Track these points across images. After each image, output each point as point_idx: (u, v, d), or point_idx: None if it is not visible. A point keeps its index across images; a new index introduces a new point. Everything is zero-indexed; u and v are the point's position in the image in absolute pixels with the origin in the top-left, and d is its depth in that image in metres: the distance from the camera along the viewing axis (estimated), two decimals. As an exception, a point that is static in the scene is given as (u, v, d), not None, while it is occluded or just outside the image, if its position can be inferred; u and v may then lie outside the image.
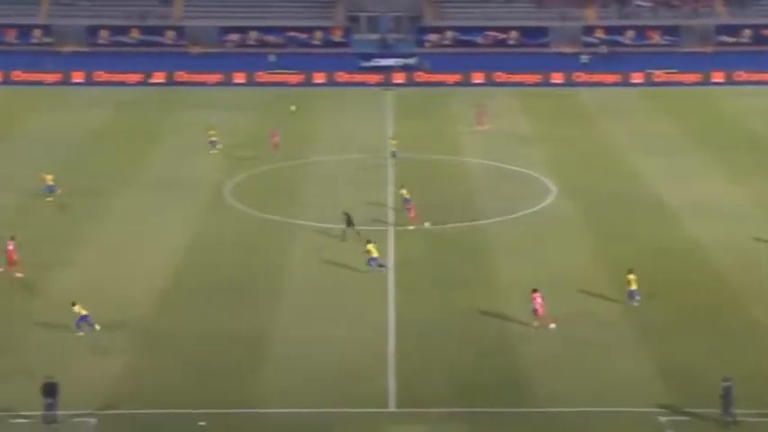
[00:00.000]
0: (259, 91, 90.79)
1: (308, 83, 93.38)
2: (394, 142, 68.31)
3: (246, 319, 43.79)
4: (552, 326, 42.38)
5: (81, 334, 41.79)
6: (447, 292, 46.21)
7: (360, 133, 75.20)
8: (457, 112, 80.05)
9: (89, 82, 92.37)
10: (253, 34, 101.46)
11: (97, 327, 42.05)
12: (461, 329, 42.83)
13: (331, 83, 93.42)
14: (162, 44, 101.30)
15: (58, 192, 58.68)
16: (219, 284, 47.35)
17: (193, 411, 36.24)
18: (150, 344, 41.43)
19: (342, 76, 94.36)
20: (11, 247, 47.85)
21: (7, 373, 38.64)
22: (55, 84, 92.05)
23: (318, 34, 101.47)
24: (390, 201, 59.18)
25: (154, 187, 61.39)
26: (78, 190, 60.56)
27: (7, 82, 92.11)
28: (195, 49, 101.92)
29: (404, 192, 56.37)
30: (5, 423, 35.42)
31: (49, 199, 58.34)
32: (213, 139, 69.49)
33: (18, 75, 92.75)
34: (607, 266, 48.70)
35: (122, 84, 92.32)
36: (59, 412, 35.43)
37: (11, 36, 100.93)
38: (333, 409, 36.65)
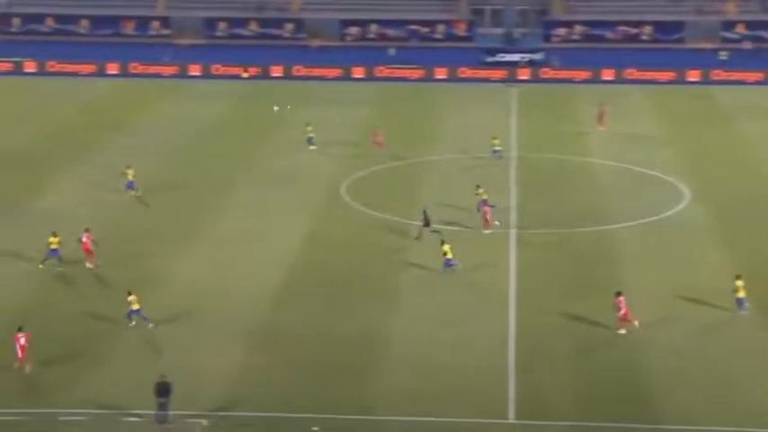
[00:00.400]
0: (378, 86, 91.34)
1: (428, 78, 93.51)
2: (496, 141, 67.78)
3: (361, 319, 44.18)
4: (635, 323, 42.24)
5: (132, 324, 42.75)
6: (569, 301, 45.84)
7: (482, 132, 75.00)
8: (584, 111, 79.21)
9: (206, 75, 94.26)
10: (373, 27, 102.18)
11: (150, 325, 42.79)
12: (583, 340, 42.45)
13: (453, 79, 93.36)
14: (280, 37, 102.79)
15: (137, 189, 59.61)
16: (334, 283, 47.86)
17: (306, 416, 36.69)
18: (264, 343, 42.10)
19: (464, 72, 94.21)
20: (85, 239, 49.24)
21: (120, 372, 39.76)
22: (172, 76, 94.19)
23: (441, 28, 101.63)
24: (513, 203, 58.93)
25: (269, 183, 62.38)
26: (192, 184, 61.92)
27: (125, 74, 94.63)
28: (314, 43, 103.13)
29: (480, 191, 55.88)
30: (118, 422, 36.44)
31: (133, 194, 59.37)
32: (310, 135, 70.32)
33: (135, 67, 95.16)
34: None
35: (239, 77, 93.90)
36: (171, 412, 36.27)
37: (129, 28, 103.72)
38: (450, 418, 36.68)
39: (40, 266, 48.86)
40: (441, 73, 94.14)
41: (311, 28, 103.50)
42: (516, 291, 47.11)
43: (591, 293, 46.25)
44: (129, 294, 43.23)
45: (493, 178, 63.48)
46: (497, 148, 67.17)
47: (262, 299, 46.04)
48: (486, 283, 47.97)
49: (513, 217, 56.55)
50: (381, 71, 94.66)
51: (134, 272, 48.77)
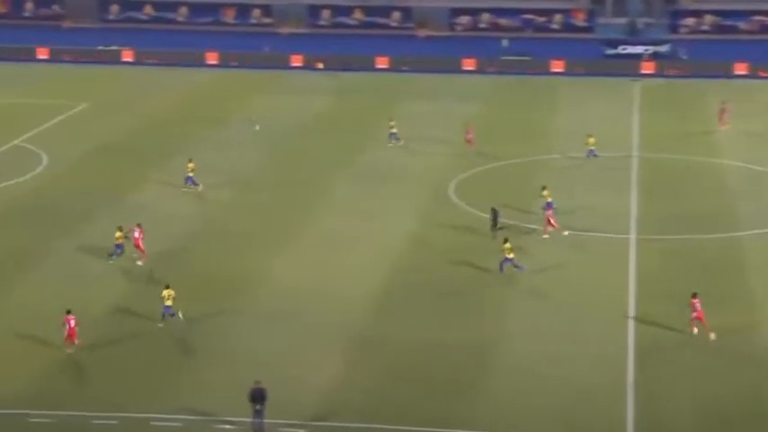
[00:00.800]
0: (489, 80, 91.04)
1: (544, 71, 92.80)
2: (591, 140, 66.74)
3: (468, 329, 44.04)
4: (712, 336, 42.33)
5: (160, 326, 43.50)
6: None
7: (601, 129, 74.20)
8: (712, 109, 77.78)
9: (308, 66, 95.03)
10: (485, 17, 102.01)
11: (181, 315, 43.36)
12: (706, 354, 41.70)
13: (570, 72, 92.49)
14: (386, 26, 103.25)
15: (200, 185, 60.27)
16: (440, 289, 47.80)
17: (409, 428, 36.70)
18: (364, 351, 42.26)
19: (583, 65, 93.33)
20: (137, 235, 50.13)
21: (214, 377, 40.32)
22: (273, 67, 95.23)
23: (558, 17, 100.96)
24: (633, 207, 58.18)
25: (371, 181, 62.61)
26: (290, 181, 62.49)
27: (224, 64, 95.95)
28: (422, 33, 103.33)
29: (545, 193, 55.25)
30: (212, 428, 36.91)
31: (195, 188, 60.00)
32: (393, 131, 70.27)
33: (235, 56, 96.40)
34: None
35: (342, 68, 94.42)
36: (267, 420, 36.63)
37: (229, 16, 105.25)
38: (563, 435, 36.48)
39: (110, 262, 49.95)
40: (557, 66, 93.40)
41: (419, 17, 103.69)
42: (635, 301, 46.47)
43: (718, 303, 45.31)
44: (166, 288, 43.51)
45: (612, 180, 62.79)
46: (592, 147, 66.29)
47: (362, 304, 46.21)
48: (603, 292, 47.41)
49: (633, 222, 55.81)
50: (493, 63, 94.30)
51: (228, 272, 49.37)
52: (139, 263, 50.01)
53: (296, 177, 63.28)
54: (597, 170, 65.01)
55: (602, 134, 69.71)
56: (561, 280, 48.64)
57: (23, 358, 41.16)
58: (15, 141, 70.66)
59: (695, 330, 42.93)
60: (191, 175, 60.27)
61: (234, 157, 67.28)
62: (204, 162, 65.94)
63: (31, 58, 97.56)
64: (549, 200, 54.55)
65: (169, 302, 43.35)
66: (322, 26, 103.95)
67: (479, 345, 42.61)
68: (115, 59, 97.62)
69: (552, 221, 53.56)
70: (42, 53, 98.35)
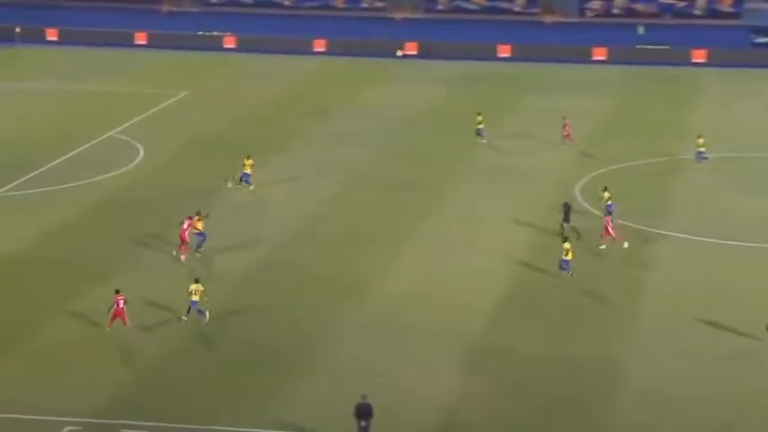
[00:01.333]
0: (622, 70, 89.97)
1: (684, 61, 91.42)
2: (701, 141, 65.00)
3: (595, 342, 43.43)
4: None
5: (184, 318, 44.43)
6: None
7: (748, 126, 72.86)
8: None
9: (424, 54, 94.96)
10: (619, 1, 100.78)
11: (207, 316, 44.27)
12: None
13: (714, 62, 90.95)
14: (509, 11, 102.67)
15: (252, 184, 60.35)
16: (565, 299, 47.29)
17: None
18: (481, 365, 41.89)
19: (728, 55, 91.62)
20: (186, 226, 50.77)
21: (316, 391, 40.36)
22: (385, 55, 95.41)
23: (701, 2, 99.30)
24: (782, 212, 57.01)
25: (491, 180, 62.20)
26: (402, 179, 62.42)
27: (333, 52, 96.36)
28: (549, 19, 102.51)
29: (606, 195, 54.22)
30: (313, 444, 37.10)
31: (247, 187, 60.09)
32: (480, 126, 69.72)
33: (345, 43, 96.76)
34: None
35: (462, 57, 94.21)
36: (373, 437, 36.64)
37: (339, 0, 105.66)
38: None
39: (197, 255, 50.90)
40: (699, 56, 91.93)
41: (545, 2, 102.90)
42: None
43: None
44: (196, 282, 44.70)
45: (755, 184, 61.56)
46: (701, 149, 64.61)
47: (480, 313, 45.90)
48: (746, 306, 46.25)
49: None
50: (627, 53, 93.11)
51: (332, 276, 49.50)
52: (182, 258, 50.78)
53: (407, 175, 63.19)
54: (738, 173, 63.70)
55: (749, 132, 68.24)
56: (696, 293, 47.71)
57: (112, 365, 41.74)
58: (111, 132, 71.96)
59: None
60: (248, 172, 60.48)
61: (341, 152, 67.47)
62: (308, 158, 66.44)
63: (128, 43, 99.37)
64: (610, 203, 53.69)
65: (196, 297, 44.42)
66: (439, 11, 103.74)
67: (606, 362, 41.97)
68: (216, 46, 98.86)
69: (610, 230, 52.18)
70: (140, 38, 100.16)
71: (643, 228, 54.90)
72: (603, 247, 52.27)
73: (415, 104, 79.13)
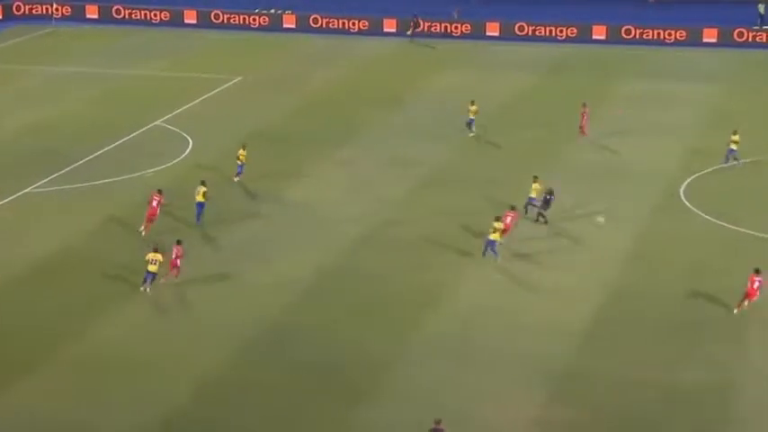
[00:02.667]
0: (737, 54, 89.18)
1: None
2: (735, 138, 63.90)
3: (698, 365, 43.12)
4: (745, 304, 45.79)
5: (142, 289, 48.13)
6: None
7: None
8: None
9: (507, 36, 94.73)
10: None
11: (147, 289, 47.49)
12: None
13: None
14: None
15: (241, 175, 60.95)
16: (668, 315, 47.03)
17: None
18: (568, 391, 41.63)
19: None
20: (154, 204, 53.84)
21: (383, 417, 40.37)
22: (463, 36, 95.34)
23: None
24: None
25: (580, 180, 61.82)
26: (480, 177, 62.28)
27: (404, 33, 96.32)
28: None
29: (535, 186, 56.25)
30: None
31: (236, 179, 60.92)
32: (471, 117, 69.52)
33: (422, 24, 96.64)
34: None
35: (551, 39, 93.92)
36: (446, 469, 36.65)
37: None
38: None
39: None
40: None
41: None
42: None
43: None
44: (155, 251, 48.14)
45: None
46: (733, 147, 63.48)
47: (567, 333, 45.66)
48: None
49: None
50: (743, 34, 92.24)
51: (400, 288, 49.55)
52: (142, 231, 54.18)
53: (487, 173, 63.00)
54: None
55: None
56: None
57: (163, 376, 42.16)
58: (158, 121, 72.61)
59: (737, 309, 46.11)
60: (240, 163, 61.18)
61: (413, 146, 67.45)
62: (377, 153, 66.49)
63: (176, 22, 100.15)
64: (533, 196, 56.21)
65: (153, 268, 47.82)
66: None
67: (716, 388, 41.64)
68: (275, 26, 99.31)
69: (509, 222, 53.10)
70: (190, 17, 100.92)
71: (756, 234, 54.38)
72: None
73: (498, 93, 78.90)
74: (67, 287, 49.53)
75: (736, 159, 63.65)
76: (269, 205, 58.50)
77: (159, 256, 48.01)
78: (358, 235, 55.06)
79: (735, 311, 47.00)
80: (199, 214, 55.58)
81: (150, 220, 54.28)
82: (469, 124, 69.78)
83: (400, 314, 47.20)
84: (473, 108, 69.93)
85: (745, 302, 46.88)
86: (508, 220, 52.98)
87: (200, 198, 55.38)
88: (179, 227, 55.09)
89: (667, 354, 44.14)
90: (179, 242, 49.48)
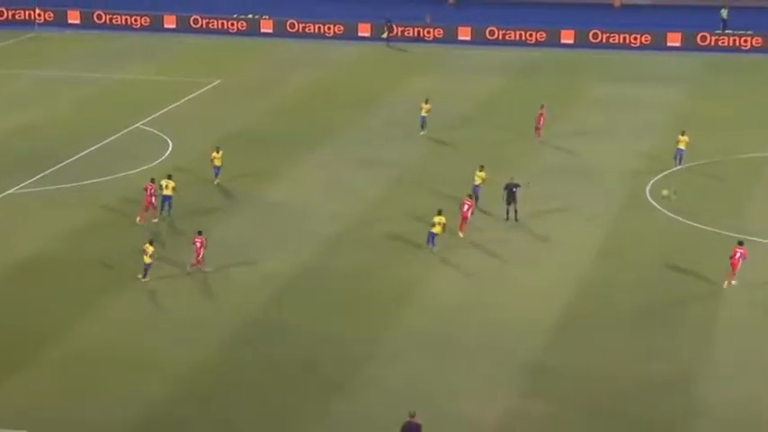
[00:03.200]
0: (700, 58, 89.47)
1: (765, 49, 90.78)
2: (683, 138, 63.17)
3: (666, 359, 43.18)
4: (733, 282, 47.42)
5: (140, 277, 49.01)
6: None
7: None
8: None
9: (479, 40, 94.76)
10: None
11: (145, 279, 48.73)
12: None
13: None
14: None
15: (219, 177, 60.79)
16: (635, 311, 47.10)
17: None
18: (541, 385, 41.70)
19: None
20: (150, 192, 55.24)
21: (359, 411, 40.35)
22: (435, 41, 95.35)
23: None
24: None
25: (550, 180, 61.86)
26: (453, 179, 62.22)
27: (379, 37, 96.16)
28: (618, 1, 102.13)
29: (481, 175, 57.14)
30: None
31: (216, 182, 60.73)
32: (424, 115, 69.74)
33: (395, 28, 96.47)
34: None
35: (521, 43, 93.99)
36: (421, 461, 36.60)
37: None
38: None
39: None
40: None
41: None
42: None
43: None
44: (150, 244, 49.15)
45: None
46: (681, 147, 63.69)
47: (539, 328, 45.73)
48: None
49: None
50: (706, 38, 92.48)
51: (376, 285, 49.51)
52: (139, 220, 55.65)
53: (458, 173, 62.86)
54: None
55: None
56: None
57: (141, 375, 42.05)
58: (138, 124, 72.35)
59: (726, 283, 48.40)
60: (218, 165, 60.88)
61: (388, 148, 67.44)
62: (353, 154, 66.46)
63: (156, 27, 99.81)
64: (479, 184, 57.34)
65: (149, 259, 48.88)
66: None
67: (683, 380, 41.74)
68: (253, 30, 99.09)
69: (466, 214, 53.98)
70: (170, 22, 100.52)
71: (719, 231, 54.59)
72: (462, 235, 53.86)
73: (469, 96, 78.95)
74: (52, 286, 49.34)
75: (680, 160, 63.61)
76: (247, 205, 58.44)
77: (150, 248, 48.94)
78: (334, 233, 55.04)
79: (724, 286, 48.68)
80: (168, 207, 56.13)
81: (147, 209, 55.57)
82: (422, 122, 69.93)
83: (376, 311, 47.19)
84: (426, 106, 70.14)
85: (733, 280, 48.42)
86: (465, 208, 53.79)
87: (168, 192, 55.99)
88: (160, 228, 55.05)
89: (635, 348, 44.24)
90: (200, 232, 50.29)
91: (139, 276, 49.23)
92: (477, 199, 56.62)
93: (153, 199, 55.57)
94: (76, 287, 49.15)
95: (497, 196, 56.50)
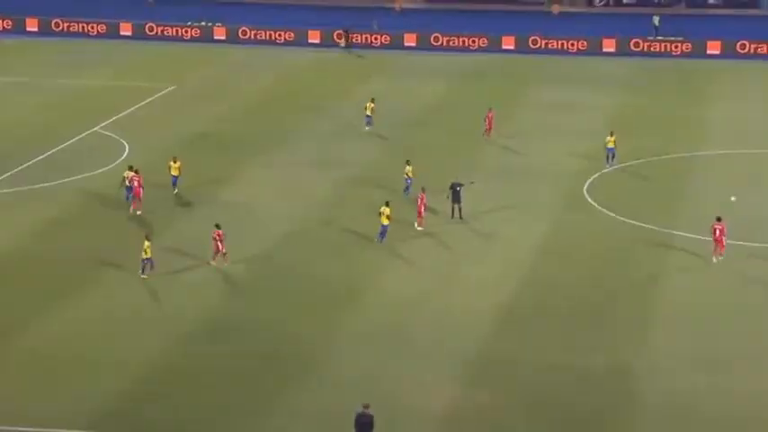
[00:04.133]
0: (634, 63, 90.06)
1: (699, 53, 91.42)
2: (611, 138, 63.76)
3: (605, 350, 43.36)
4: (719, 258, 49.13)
5: (142, 276, 48.67)
6: None
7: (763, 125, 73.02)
8: None
9: (424, 46, 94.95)
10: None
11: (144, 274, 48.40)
12: None
13: (730, 54, 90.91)
14: (515, 1, 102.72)
15: (177, 188, 59.76)
16: (572, 304, 47.30)
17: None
18: (485, 375, 41.79)
19: (744, 46, 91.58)
20: (136, 184, 55.86)
21: (312, 402, 40.29)
22: (384, 47, 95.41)
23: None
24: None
25: (495, 180, 62.09)
26: (396, 181, 62.35)
27: (329, 43, 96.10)
28: (555, 9, 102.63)
29: (409, 168, 58.98)
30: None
31: (174, 191, 59.73)
32: (369, 113, 70.09)
33: (342, 35, 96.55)
34: None
35: (464, 49, 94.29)
36: (372, 452, 36.59)
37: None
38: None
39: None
40: (714, 47, 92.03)
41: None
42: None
43: None
44: (147, 240, 48.76)
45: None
46: (611, 146, 64.14)
47: (483, 320, 45.84)
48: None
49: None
50: (638, 44, 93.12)
51: (328, 281, 49.46)
52: (138, 212, 56.01)
53: (402, 177, 63.05)
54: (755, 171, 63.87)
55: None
56: (709, 297, 47.90)
57: (102, 374, 41.76)
58: (95, 128, 71.87)
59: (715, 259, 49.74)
60: (175, 174, 59.49)
61: (340, 150, 67.41)
62: (305, 156, 66.39)
63: (112, 34, 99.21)
64: (410, 178, 58.56)
65: (148, 254, 48.64)
66: (441, 0, 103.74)
67: (621, 370, 41.94)
68: (207, 37, 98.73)
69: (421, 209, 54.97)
70: (125, 29, 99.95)
71: (653, 228, 55.00)
72: (420, 228, 54.66)
73: (415, 99, 79.07)
74: (8, 286, 48.85)
75: (612, 158, 63.84)
76: (204, 207, 58.17)
77: (147, 243, 48.85)
78: (290, 233, 54.94)
79: (713, 261, 50.49)
80: (129, 198, 56.43)
81: (140, 198, 56.29)
82: (367, 121, 70.22)
83: (330, 307, 47.09)
84: (371, 105, 70.33)
85: (720, 255, 50.30)
86: (419, 202, 54.82)
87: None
88: (123, 225, 54.78)
89: (577, 340, 44.40)
90: (218, 226, 50.39)
91: (140, 273, 49.06)
92: (407, 190, 58.30)
93: (140, 190, 56.02)
94: (34, 287, 48.65)
95: (444, 194, 56.59)
